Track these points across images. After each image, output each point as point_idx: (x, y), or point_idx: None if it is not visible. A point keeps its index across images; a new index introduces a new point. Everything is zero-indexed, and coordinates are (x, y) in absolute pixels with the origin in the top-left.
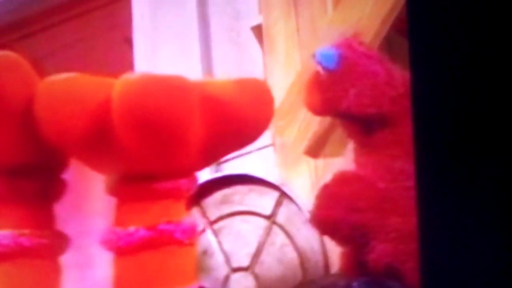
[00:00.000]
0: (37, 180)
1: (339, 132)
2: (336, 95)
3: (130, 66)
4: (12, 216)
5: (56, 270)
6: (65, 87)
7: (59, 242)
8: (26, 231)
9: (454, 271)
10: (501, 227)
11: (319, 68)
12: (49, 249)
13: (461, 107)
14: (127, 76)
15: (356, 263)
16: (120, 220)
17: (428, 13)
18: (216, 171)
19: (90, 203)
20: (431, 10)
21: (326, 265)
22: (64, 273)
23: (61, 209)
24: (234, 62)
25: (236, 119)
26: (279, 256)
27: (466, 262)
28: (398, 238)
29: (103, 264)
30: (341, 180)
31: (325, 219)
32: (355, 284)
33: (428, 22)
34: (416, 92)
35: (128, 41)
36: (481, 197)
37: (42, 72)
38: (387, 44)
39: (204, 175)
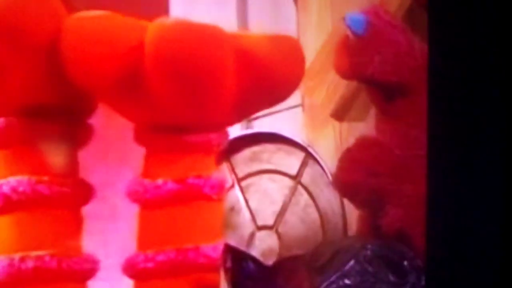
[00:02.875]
0: (60, 123)
1: (364, 97)
2: (362, 60)
3: (165, 10)
4: (30, 161)
5: (77, 222)
6: (95, 26)
7: (82, 192)
8: (45, 178)
9: (459, 237)
10: (505, 197)
11: (349, 32)
12: (71, 199)
13: (475, 80)
14: (162, 21)
15: (372, 226)
16: (148, 171)
17: None
18: (247, 128)
19: (117, 152)
20: None
21: (345, 227)
22: (85, 225)
23: (86, 157)
24: (269, 17)
25: (269, 75)
26: (302, 216)
27: (470, 229)
28: (409, 203)
29: (128, 217)
30: (363, 145)
31: (347, 182)
32: (369, 246)
33: None
34: (432, 64)
35: None
36: (488, 168)
37: (71, 8)
38: (409, 16)
39: (234, 131)
